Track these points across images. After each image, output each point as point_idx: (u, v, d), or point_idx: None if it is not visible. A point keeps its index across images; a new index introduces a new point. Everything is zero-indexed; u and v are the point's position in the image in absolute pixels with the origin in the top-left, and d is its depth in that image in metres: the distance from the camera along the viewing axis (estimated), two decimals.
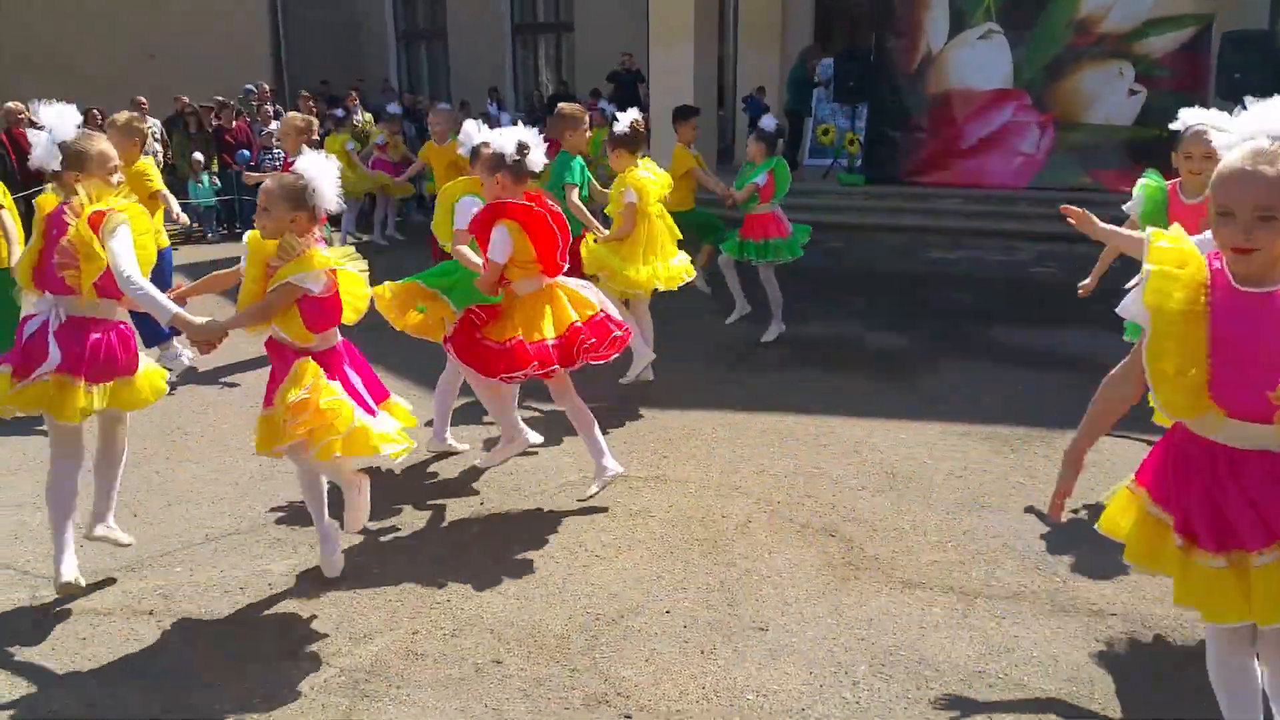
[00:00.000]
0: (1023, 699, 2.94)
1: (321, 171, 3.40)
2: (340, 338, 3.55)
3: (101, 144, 3.55)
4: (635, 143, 5.65)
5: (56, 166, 3.48)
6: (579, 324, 4.12)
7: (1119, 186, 11.98)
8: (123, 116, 5.99)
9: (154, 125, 13.66)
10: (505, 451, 4.61)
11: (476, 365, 4.13)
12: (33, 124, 12.94)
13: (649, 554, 3.90)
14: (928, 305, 8.19)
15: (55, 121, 3.47)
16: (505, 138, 4.14)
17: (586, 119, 6.11)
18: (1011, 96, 12.49)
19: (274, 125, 13.86)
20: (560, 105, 6.38)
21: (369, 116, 15.18)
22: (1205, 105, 12.46)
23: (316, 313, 3.35)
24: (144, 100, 13.58)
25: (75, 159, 3.47)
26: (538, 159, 4.16)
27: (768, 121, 6.99)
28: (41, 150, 3.48)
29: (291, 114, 7.57)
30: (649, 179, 5.59)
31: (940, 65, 12.87)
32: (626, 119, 5.70)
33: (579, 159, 5.91)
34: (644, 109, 15.82)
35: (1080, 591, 3.56)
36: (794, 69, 15.12)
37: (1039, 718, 2.86)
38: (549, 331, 4.06)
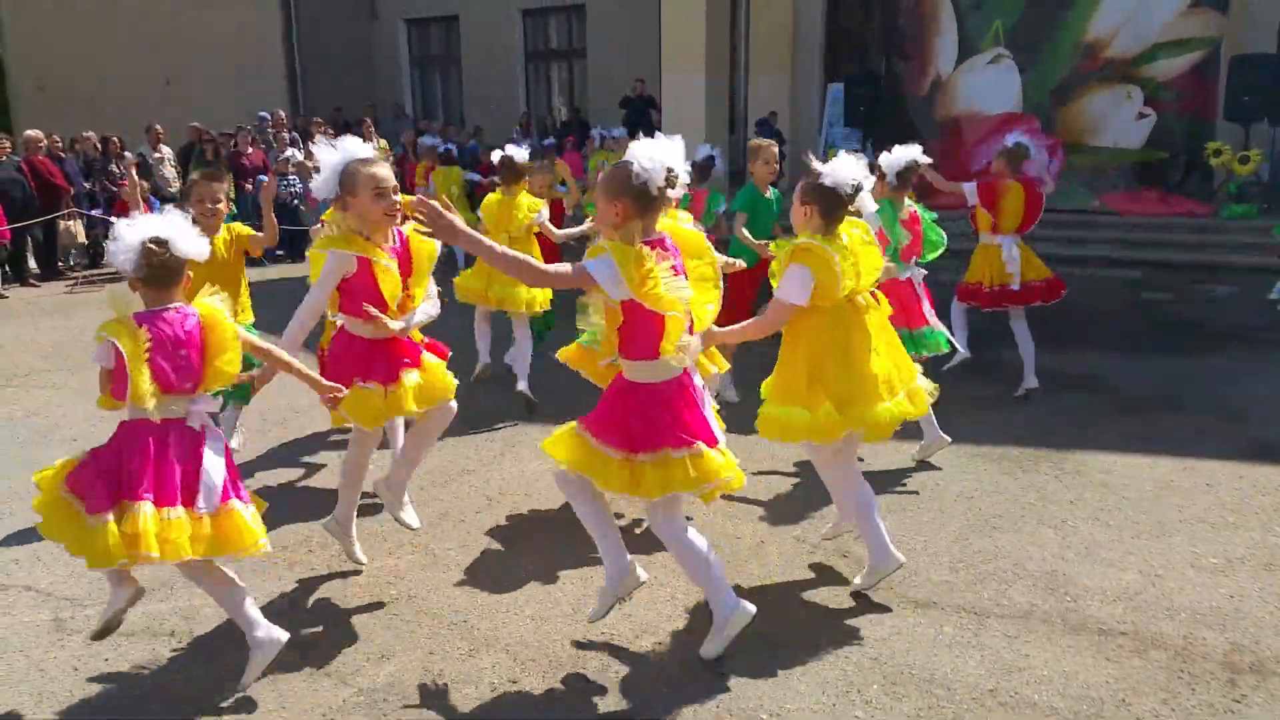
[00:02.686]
0: (1034, 716, 2.96)
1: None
2: None
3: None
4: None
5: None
6: None
7: (1128, 209, 12.09)
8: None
9: (168, 154, 13.86)
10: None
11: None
12: (51, 152, 13.08)
13: (663, 574, 3.93)
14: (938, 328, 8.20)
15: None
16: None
17: (774, 150, 6.28)
18: (1020, 120, 12.58)
19: (289, 152, 14.07)
20: (752, 141, 6.80)
21: (384, 143, 15.36)
22: (1214, 127, 12.44)
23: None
24: (160, 128, 13.79)
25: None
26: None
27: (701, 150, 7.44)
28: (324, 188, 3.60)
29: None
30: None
31: (949, 89, 12.98)
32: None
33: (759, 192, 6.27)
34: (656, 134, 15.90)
35: (1090, 611, 3.58)
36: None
37: None
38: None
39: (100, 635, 3.22)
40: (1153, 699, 3.04)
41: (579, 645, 3.44)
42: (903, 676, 3.20)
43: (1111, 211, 12.07)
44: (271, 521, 4.55)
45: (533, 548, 4.25)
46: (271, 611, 3.73)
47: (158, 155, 13.70)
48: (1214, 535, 4.20)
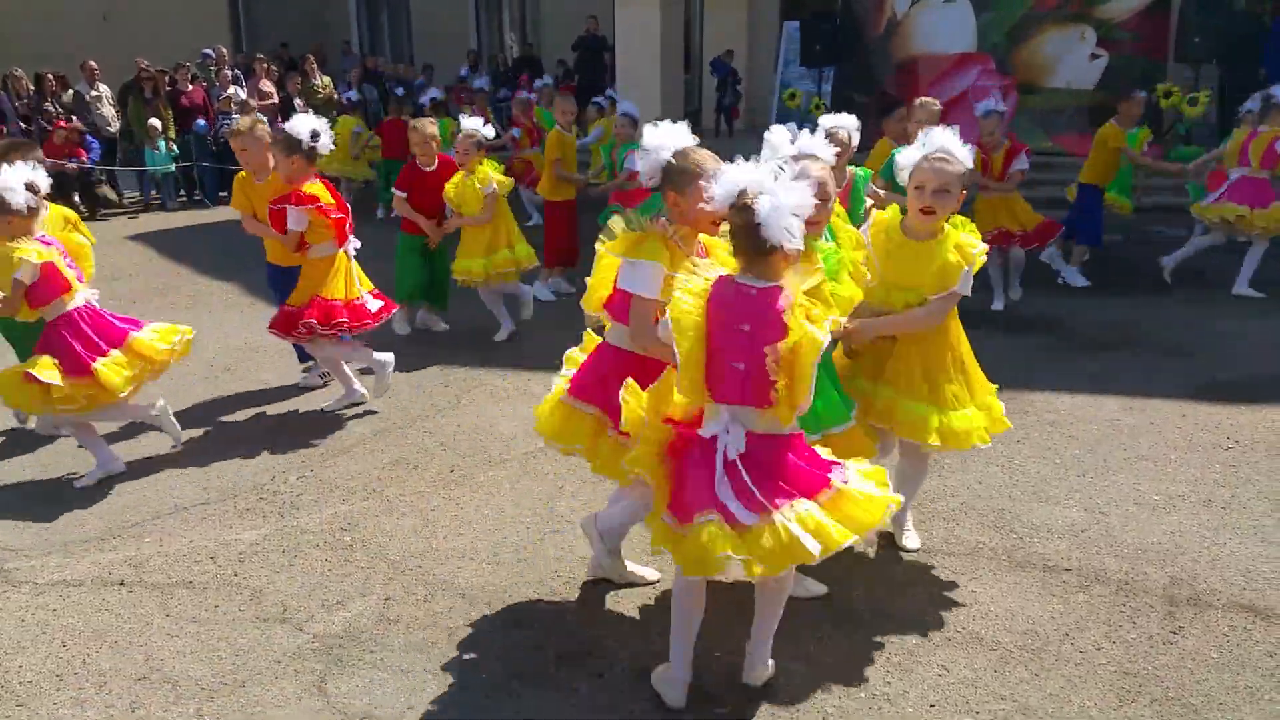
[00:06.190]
0: (981, 651, 3.04)
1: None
2: None
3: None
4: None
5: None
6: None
7: (1080, 151, 12.14)
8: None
9: (105, 92, 13.33)
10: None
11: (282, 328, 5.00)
12: None
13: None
14: None
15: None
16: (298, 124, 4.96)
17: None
18: (975, 60, 12.55)
19: (232, 90, 13.62)
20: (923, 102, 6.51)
21: (327, 80, 14.92)
22: (1164, 69, 12.37)
23: None
24: (95, 66, 13.23)
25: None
26: (325, 144, 5.05)
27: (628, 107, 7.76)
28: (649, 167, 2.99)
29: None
30: None
31: (906, 29, 12.88)
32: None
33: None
34: (610, 75, 15.63)
35: (1036, 548, 3.66)
36: None
37: (997, 668, 2.95)
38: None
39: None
40: (1095, 633, 3.13)
41: (534, 588, 3.45)
42: (855, 613, 3.25)
43: (1064, 152, 12.14)
44: (222, 470, 4.50)
45: (485, 493, 4.24)
46: (223, 560, 3.69)
47: (94, 93, 13.16)
48: (1157, 473, 4.31)
